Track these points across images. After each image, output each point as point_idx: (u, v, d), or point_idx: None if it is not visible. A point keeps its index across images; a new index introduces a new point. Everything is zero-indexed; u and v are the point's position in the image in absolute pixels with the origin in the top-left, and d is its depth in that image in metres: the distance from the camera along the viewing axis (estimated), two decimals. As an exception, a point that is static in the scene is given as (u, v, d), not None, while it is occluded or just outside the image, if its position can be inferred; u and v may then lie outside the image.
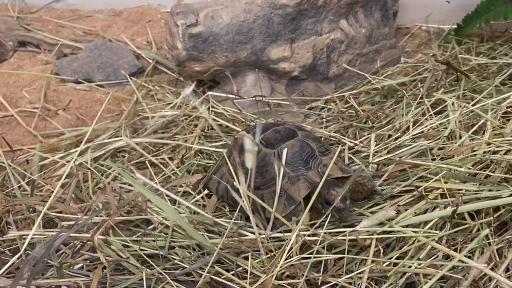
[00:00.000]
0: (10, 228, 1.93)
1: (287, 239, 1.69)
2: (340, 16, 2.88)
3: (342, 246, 1.75)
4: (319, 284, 1.68)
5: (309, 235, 1.74)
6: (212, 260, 1.63)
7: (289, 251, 1.67)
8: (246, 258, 1.75)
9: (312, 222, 1.81)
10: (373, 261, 1.72)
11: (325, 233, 1.73)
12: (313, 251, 1.72)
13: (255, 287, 1.63)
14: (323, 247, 1.73)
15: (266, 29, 2.66)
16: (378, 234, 1.76)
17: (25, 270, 1.30)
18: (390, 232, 1.79)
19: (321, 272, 1.71)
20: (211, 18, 2.62)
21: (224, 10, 2.63)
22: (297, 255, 1.68)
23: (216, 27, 2.62)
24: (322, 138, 2.34)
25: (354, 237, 1.73)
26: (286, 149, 1.88)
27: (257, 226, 1.77)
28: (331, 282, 1.67)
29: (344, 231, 1.75)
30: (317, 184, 1.75)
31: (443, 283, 1.66)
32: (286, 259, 1.66)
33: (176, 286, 1.64)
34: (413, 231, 1.75)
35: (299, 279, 1.64)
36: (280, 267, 1.63)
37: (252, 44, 2.67)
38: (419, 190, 1.86)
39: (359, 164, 2.10)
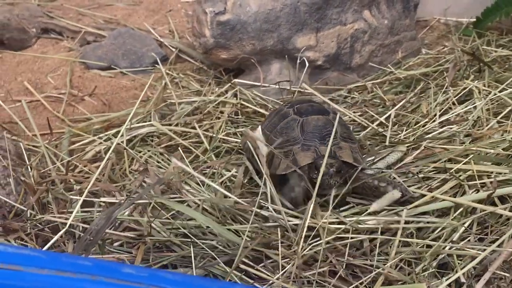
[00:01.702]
0: (50, 207, 1.96)
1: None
2: (363, 6, 2.92)
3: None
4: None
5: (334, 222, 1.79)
6: (238, 257, 1.65)
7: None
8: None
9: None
10: (405, 244, 1.77)
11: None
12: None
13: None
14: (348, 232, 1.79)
15: (293, 17, 2.70)
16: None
17: (84, 241, 1.34)
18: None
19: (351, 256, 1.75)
20: (239, 6, 2.66)
21: (252, -1, 2.67)
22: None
23: (244, 15, 2.66)
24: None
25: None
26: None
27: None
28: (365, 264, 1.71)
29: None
30: (322, 157, 1.82)
31: (476, 265, 1.70)
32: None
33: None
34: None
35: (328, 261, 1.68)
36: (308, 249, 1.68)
37: (279, 33, 2.71)
38: (451, 171, 1.90)
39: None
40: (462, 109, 2.30)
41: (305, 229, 1.69)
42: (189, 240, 1.75)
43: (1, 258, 1.00)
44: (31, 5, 3.67)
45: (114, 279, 0.95)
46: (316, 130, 1.98)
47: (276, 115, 2.17)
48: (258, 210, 1.80)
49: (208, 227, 1.82)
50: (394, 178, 2.00)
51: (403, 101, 2.53)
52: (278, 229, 1.75)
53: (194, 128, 2.50)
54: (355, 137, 2.15)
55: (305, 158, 1.92)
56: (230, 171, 2.20)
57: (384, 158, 2.12)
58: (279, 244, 1.70)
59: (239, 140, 2.42)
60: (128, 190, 2.06)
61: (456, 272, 1.61)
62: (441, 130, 2.23)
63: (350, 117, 2.47)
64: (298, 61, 2.66)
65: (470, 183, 1.90)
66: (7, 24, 3.32)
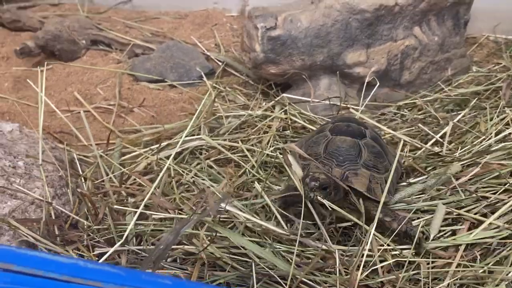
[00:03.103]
0: (105, 218, 1.98)
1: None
2: (414, 23, 2.89)
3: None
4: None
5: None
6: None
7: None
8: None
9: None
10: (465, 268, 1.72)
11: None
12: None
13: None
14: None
15: (344, 33, 2.69)
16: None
17: (153, 256, 1.35)
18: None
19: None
20: (290, 22, 2.66)
21: (303, 14, 2.67)
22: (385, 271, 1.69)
23: (294, 30, 2.66)
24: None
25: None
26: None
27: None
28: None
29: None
30: (331, 179, 1.80)
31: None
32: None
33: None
34: None
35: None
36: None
37: (329, 48, 2.70)
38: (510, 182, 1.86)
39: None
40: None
41: (364, 257, 1.66)
42: (243, 260, 1.74)
43: (81, 273, 1.01)
44: (80, 17, 3.75)
45: (195, 299, 0.95)
46: (337, 151, 1.97)
47: (318, 129, 2.20)
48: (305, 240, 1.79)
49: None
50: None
51: (459, 117, 2.48)
52: (336, 253, 1.71)
53: (242, 142, 2.50)
54: (390, 166, 2.02)
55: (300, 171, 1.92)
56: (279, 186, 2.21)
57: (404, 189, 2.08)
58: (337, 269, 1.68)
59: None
60: (181, 203, 2.07)
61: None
62: (498, 147, 2.17)
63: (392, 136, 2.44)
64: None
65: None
66: (58, 35, 3.39)
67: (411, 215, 1.91)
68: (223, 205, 1.65)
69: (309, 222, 1.90)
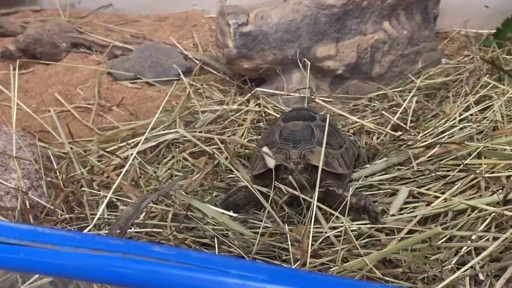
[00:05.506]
0: (77, 208, 2.05)
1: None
2: (383, 17, 2.98)
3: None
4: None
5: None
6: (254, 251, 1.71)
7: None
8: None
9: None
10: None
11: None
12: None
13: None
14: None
15: (313, 28, 2.78)
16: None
17: (115, 228, 1.41)
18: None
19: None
20: (261, 18, 2.74)
21: (273, 10, 2.76)
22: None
23: (265, 26, 2.74)
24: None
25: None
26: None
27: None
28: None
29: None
30: (291, 160, 1.89)
31: (495, 263, 1.70)
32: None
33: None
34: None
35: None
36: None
37: (299, 43, 2.79)
38: (464, 163, 1.93)
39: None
40: (481, 108, 2.33)
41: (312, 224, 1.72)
42: (207, 244, 1.81)
43: (39, 238, 1.07)
44: (61, 21, 3.82)
45: (144, 256, 1.02)
46: (291, 135, 2.05)
47: (272, 121, 2.28)
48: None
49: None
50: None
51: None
52: (286, 226, 1.79)
53: (217, 135, 2.57)
54: (345, 144, 2.14)
55: (272, 161, 1.94)
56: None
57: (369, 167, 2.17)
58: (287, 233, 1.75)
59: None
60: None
61: (473, 268, 1.61)
62: (459, 127, 2.26)
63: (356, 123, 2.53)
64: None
65: (487, 175, 1.91)
66: (39, 39, 3.46)
67: (371, 192, 1.99)
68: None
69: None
